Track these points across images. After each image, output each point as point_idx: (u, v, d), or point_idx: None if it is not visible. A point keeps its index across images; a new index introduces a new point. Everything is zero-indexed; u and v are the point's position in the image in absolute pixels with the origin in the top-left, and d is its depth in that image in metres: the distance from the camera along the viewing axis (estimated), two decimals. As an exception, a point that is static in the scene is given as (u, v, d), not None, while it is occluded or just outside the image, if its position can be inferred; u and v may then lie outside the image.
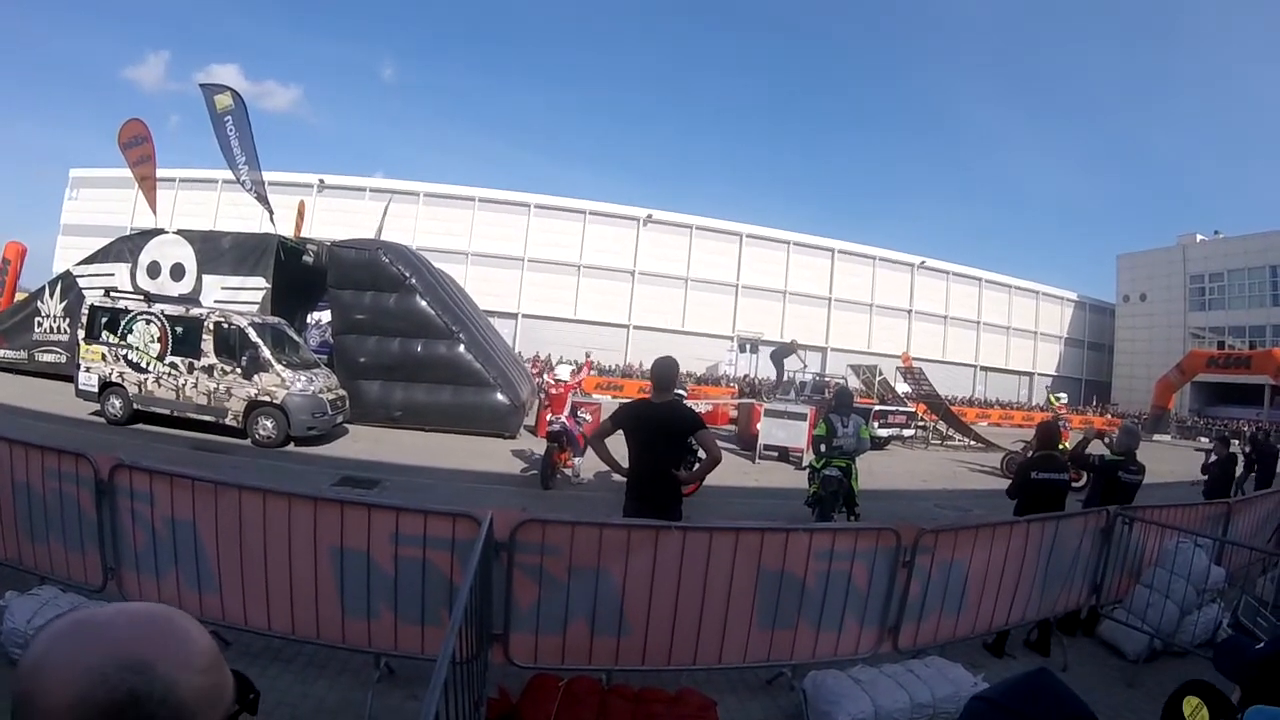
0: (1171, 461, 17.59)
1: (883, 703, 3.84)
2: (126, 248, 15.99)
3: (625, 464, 4.74)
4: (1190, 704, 1.28)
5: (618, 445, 4.71)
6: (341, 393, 12.75)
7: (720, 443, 4.82)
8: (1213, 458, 11.30)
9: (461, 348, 14.50)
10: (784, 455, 14.75)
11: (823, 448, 8.01)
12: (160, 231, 16.05)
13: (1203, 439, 31.78)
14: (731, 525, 4.22)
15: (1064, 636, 5.60)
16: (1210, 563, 5.73)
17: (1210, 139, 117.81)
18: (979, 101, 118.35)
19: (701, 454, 4.71)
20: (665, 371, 4.78)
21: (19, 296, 21.26)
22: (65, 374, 14.04)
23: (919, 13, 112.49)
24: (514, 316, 40.97)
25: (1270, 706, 1.15)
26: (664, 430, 4.60)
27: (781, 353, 20.58)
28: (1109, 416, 39.18)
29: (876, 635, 4.42)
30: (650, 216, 44.48)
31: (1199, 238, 49.72)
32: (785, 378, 20.76)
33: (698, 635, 3.99)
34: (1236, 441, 9.89)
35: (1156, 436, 31.96)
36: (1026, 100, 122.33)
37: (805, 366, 22.56)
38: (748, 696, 4.35)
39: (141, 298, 12.38)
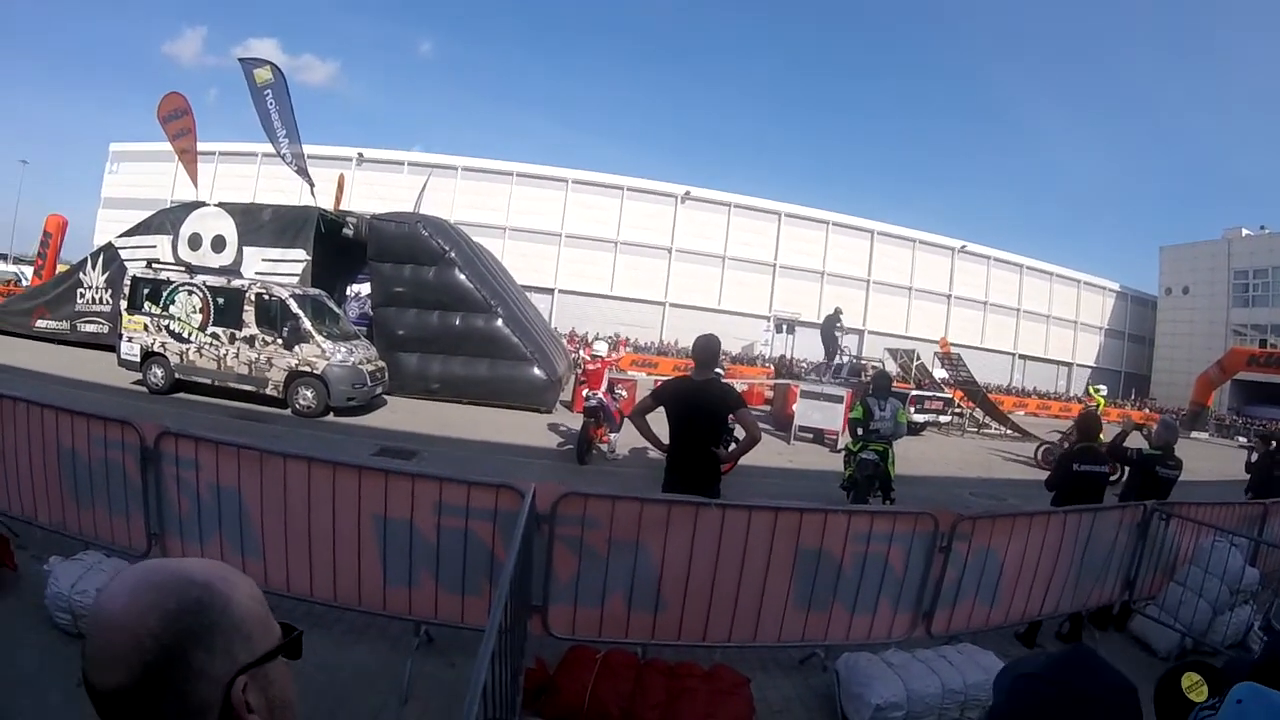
0: (1209, 459, 17.21)
1: (914, 687, 3.83)
2: (168, 220, 16.19)
3: (665, 440, 4.77)
4: (1189, 679, 1.32)
5: (657, 421, 4.73)
6: (380, 364, 12.92)
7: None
8: (1254, 456, 11.04)
9: (499, 322, 14.63)
10: (819, 437, 14.71)
11: (859, 431, 7.99)
12: (201, 204, 16.22)
13: (1240, 438, 31.03)
14: (771, 504, 4.19)
15: (1095, 630, 5.57)
16: (1245, 563, 5.65)
17: (1260, 133, 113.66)
18: (1025, 88, 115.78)
19: (740, 433, 4.71)
20: (708, 349, 4.76)
21: (60, 268, 21.61)
22: (107, 344, 14.29)
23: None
24: (550, 292, 40.88)
25: (1257, 684, 1.17)
26: (704, 408, 4.62)
27: (829, 323, 19.76)
28: (1147, 411, 38.39)
29: (910, 620, 4.40)
30: (688, 194, 43.96)
31: (1244, 232, 47.80)
32: (837, 351, 19.84)
33: (733, 613, 4.01)
34: (1276, 441, 9.80)
35: (1194, 433, 31.23)
36: (1074, 88, 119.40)
37: (843, 335, 21.60)
38: (780, 676, 4.38)
39: (183, 269, 12.62)
